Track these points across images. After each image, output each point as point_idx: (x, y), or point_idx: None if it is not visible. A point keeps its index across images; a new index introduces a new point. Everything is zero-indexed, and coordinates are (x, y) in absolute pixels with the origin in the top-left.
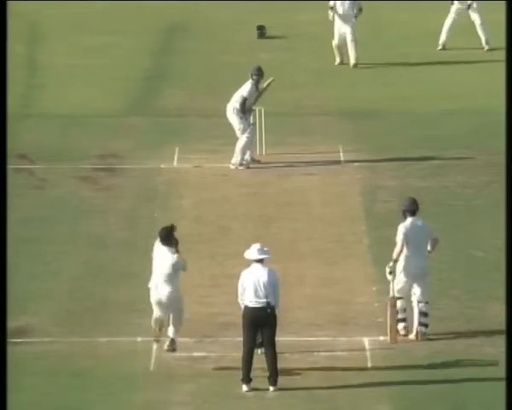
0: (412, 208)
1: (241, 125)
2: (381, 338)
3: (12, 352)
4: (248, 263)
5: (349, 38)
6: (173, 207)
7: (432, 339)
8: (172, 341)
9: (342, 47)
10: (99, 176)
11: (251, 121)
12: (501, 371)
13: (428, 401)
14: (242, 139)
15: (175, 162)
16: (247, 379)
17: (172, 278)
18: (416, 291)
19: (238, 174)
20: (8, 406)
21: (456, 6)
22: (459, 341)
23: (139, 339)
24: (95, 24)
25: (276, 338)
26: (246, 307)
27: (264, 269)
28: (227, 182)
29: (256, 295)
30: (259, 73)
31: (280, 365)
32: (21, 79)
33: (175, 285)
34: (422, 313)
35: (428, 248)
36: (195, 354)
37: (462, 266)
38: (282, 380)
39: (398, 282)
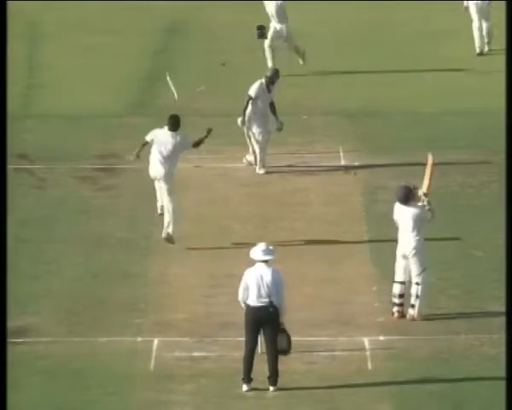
0: (397, 197)
1: (258, 130)
2: (381, 338)
3: (12, 352)
4: (252, 262)
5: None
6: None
7: (432, 339)
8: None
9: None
10: (99, 176)
11: (268, 129)
12: (501, 371)
13: (428, 401)
14: (256, 148)
15: None
16: (247, 379)
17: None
18: (411, 272)
19: (238, 174)
20: (8, 406)
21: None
22: (459, 341)
23: (139, 339)
24: (95, 24)
25: None
26: (248, 307)
27: (268, 269)
28: (227, 182)
29: (259, 294)
30: (272, 76)
31: (280, 365)
32: (21, 79)
33: None
34: (414, 295)
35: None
36: (195, 354)
37: (462, 266)
38: (282, 380)
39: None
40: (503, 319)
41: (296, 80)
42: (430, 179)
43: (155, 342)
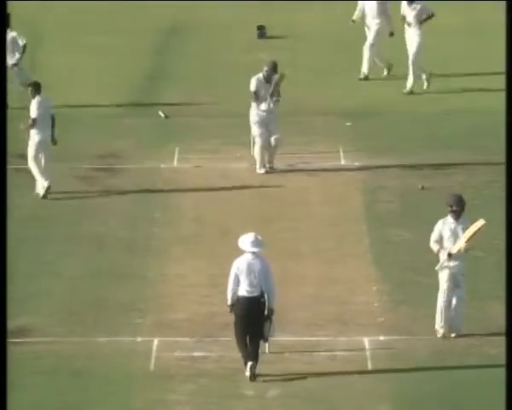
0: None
1: (258, 131)
2: (381, 338)
3: (12, 352)
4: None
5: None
6: (173, 207)
7: (432, 339)
8: None
9: None
10: (99, 176)
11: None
12: (501, 371)
13: (428, 401)
14: (255, 147)
15: (175, 162)
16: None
17: None
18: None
19: (238, 174)
20: (8, 406)
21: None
22: (459, 341)
23: (139, 339)
24: (95, 24)
25: (276, 338)
26: (239, 297)
27: (256, 259)
28: (227, 182)
29: (249, 285)
30: (269, 68)
31: (280, 365)
32: None
33: None
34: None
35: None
36: (195, 354)
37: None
38: (282, 380)
39: None
40: (503, 319)
41: (296, 80)
42: (469, 239)
43: (155, 342)
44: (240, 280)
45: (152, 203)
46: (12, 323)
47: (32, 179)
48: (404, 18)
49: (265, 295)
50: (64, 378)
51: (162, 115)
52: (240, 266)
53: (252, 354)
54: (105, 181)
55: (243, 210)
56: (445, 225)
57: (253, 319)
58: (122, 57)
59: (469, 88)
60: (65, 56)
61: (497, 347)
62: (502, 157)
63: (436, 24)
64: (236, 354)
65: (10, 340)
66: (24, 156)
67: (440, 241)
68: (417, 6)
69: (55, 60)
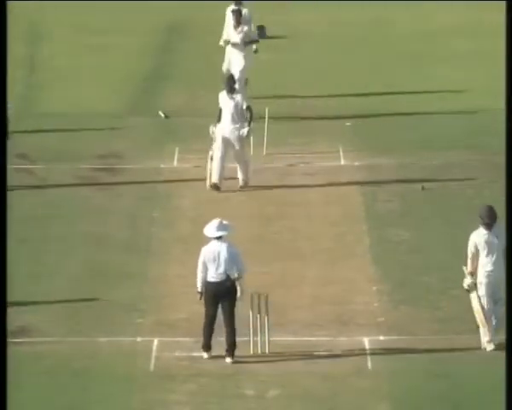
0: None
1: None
2: (381, 338)
3: (12, 352)
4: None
5: None
6: (173, 207)
7: (432, 339)
8: None
9: None
10: (99, 176)
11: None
12: (501, 372)
13: (428, 401)
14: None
15: (175, 162)
16: (206, 348)
17: None
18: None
19: (238, 174)
20: (8, 406)
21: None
22: (459, 341)
23: (139, 339)
24: (95, 24)
25: (276, 338)
26: (207, 283)
27: (223, 245)
28: (227, 182)
29: (217, 270)
30: (225, 81)
31: (280, 365)
32: (21, 79)
33: None
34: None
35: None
36: (195, 354)
37: (462, 265)
38: (282, 380)
39: None
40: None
41: (296, 80)
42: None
43: (155, 342)
44: (208, 267)
45: (152, 203)
46: (12, 323)
47: (32, 179)
48: (227, 41)
49: (235, 280)
50: (64, 378)
51: (162, 115)
52: (206, 253)
53: (228, 346)
54: (105, 181)
55: (243, 210)
56: (479, 237)
57: (221, 303)
58: (122, 57)
59: (469, 88)
60: (65, 56)
61: (497, 347)
62: (502, 157)
63: (436, 24)
64: (237, 353)
65: (10, 340)
66: (24, 156)
67: (477, 254)
68: (244, 28)
69: (54, 60)
